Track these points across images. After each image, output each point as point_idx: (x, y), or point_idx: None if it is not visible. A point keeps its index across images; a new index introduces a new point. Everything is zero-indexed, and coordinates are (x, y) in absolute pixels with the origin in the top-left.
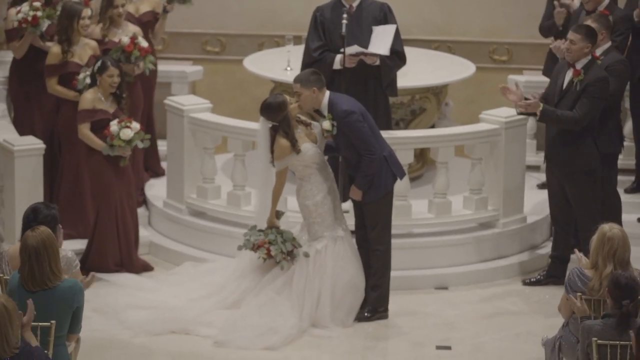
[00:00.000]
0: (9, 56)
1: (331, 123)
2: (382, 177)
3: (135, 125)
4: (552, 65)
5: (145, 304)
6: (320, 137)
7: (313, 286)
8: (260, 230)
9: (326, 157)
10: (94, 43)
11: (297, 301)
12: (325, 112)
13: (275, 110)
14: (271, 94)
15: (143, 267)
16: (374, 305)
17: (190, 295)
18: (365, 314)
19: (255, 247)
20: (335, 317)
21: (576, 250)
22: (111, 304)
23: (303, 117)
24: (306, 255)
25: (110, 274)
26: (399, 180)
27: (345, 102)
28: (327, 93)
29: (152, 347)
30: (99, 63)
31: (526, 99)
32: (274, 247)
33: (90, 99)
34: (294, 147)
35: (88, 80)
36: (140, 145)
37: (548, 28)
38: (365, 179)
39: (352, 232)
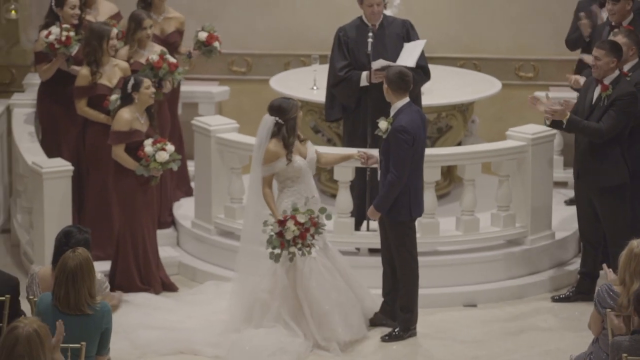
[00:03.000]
0: (36, 79)
1: (387, 127)
2: (402, 204)
3: (170, 147)
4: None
5: (157, 323)
6: (311, 154)
7: (297, 304)
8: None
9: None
10: (124, 64)
11: (293, 323)
12: (392, 114)
13: (287, 110)
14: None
15: (165, 287)
16: (405, 324)
17: (207, 317)
18: (396, 333)
19: (281, 235)
20: (323, 334)
21: (604, 266)
22: (123, 323)
23: (300, 133)
24: (329, 217)
25: (130, 293)
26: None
27: (407, 119)
28: (406, 101)
29: None
30: (131, 81)
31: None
32: (299, 213)
33: (128, 119)
34: (288, 154)
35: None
36: (175, 167)
37: (574, 41)
38: (385, 201)
39: (376, 250)
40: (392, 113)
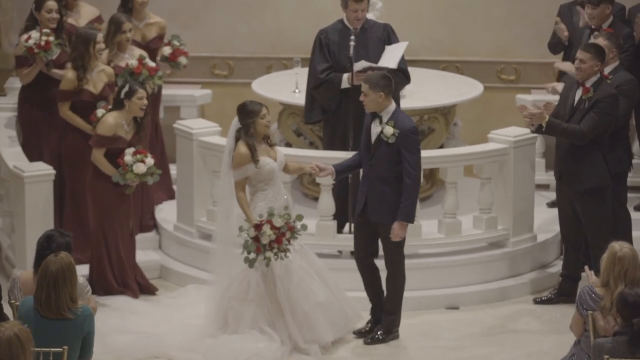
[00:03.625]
0: (17, 83)
1: (394, 131)
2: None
3: (150, 161)
4: (562, 81)
5: (133, 327)
6: (281, 157)
7: (274, 308)
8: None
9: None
10: (109, 69)
11: (270, 329)
12: (386, 119)
13: (245, 114)
14: (251, 100)
15: (142, 289)
16: (388, 327)
17: (185, 321)
18: (379, 336)
19: (257, 240)
20: (305, 336)
21: (586, 268)
22: (98, 327)
23: (271, 138)
24: (304, 227)
25: (108, 296)
26: None
27: (411, 120)
28: (395, 104)
29: None
30: (125, 88)
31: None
32: (276, 217)
33: (112, 125)
34: (253, 156)
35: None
36: (150, 181)
37: (554, 45)
38: (412, 208)
39: (351, 252)
40: (385, 117)
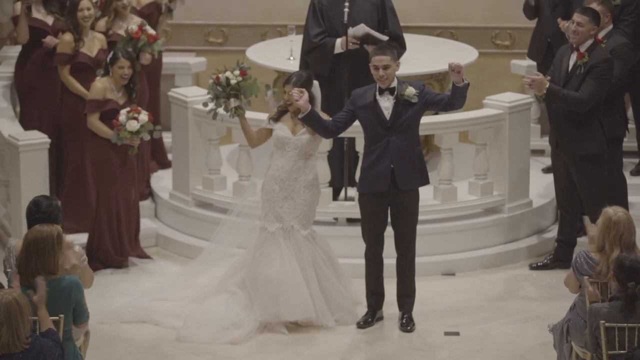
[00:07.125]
0: (12, 51)
1: (415, 90)
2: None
3: (143, 117)
4: (535, 46)
5: (136, 291)
6: (300, 137)
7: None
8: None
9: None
10: (101, 36)
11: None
12: (397, 88)
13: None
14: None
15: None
16: (411, 307)
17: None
18: (412, 325)
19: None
20: (255, 309)
21: (585, 218)
22: (110, 290)
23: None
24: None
25: (145, 260)
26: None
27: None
28: None
29: (113, 335)
30: (111, 53)
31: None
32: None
33: (100, 88)
34: (272, 114)
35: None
36: (147, 137)
37: (530, 8)
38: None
39: (354, 220)
40: (397, 87)
